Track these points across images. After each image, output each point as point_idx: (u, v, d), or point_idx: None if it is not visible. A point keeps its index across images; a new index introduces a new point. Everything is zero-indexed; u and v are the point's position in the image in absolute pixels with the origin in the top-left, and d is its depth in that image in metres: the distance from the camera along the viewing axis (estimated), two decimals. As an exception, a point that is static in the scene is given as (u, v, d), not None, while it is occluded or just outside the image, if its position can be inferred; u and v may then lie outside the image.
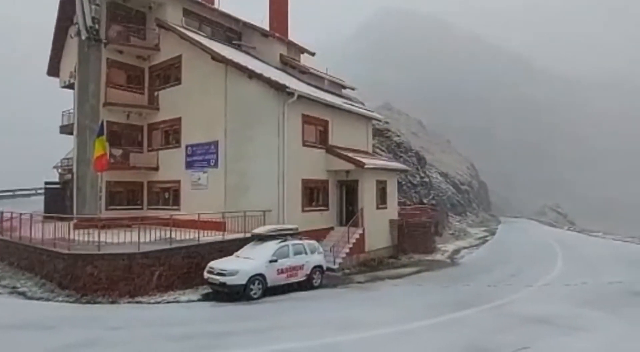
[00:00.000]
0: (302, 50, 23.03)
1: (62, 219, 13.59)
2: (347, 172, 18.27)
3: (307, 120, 17.09)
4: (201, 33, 20.21)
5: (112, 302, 11.06)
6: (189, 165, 18.31)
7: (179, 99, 18.92)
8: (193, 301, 11.55)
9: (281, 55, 21.05)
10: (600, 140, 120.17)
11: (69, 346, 7.64)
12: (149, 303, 11.19)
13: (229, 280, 11.32)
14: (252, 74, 16.03)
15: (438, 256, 21.54)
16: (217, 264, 11.96)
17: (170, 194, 19.19)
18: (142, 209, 20.00)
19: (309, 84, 19.85)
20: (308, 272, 13.16)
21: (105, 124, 15.28)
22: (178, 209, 18.09)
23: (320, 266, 13.63)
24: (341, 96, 22.57)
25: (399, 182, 25.39)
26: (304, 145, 16.89)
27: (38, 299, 11.40)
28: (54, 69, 23.57)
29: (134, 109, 19.89)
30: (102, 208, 17.49)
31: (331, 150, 18.14)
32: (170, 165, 19.13)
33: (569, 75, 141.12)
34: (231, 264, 11.85)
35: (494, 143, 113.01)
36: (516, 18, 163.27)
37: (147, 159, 20.00)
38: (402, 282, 15.05)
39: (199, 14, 20.86)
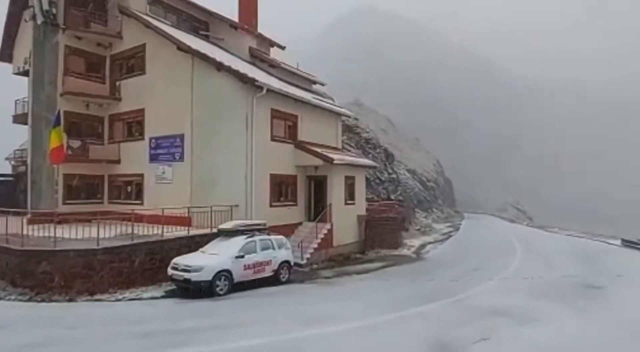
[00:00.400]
0: (272, 43, 22.73)
1: (15, 214, 12.84)
2: (316, 167, 18.26)
3: (276, 114, 16.92)
4: (166, 22, 19.55)
5: (70, 301, 10.61)
6: (153, 158, 17.74)
7: (142, 90, 18.25)
8: (156, 298, 11.25)
9: (250, 48, 20.68)
10: (559, 140, 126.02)
11: (24, 346, 7.26)
12: (109, 301, 10.81)
13: (193, 276, 11.08)
14: (220, 66, 15.67)
15: (404, 251, 21.95)
16: (181, 260, 11.67)
17: (133, 188, 18.55)
18: (102, 203, 19.23)
19: (278, 78, 19.64)
20: (275, 267, 13.08)
21: (62, 114, 14.52)
22: (141, 204, 17.51)
23: (288, 262, 13.58)
24: (311, 91, 22.49)
25: (367, 178, 25.65)
26: (272, 140, 16.72)
27: (-12, 298, 10.77)
28: (6, 54, 22.15)
29: (94, 99, 19.02)
30: (58, 202, 16.66)
31: (300, 145, 18.05)
32: (133, 158, 18.46)
33: (532, 79, 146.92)
34: (196, 260, 11.59)
35: (460, 142, 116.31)
36: (484, 22, 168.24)
37: (108, 152, 19.22)
38: (369, 277, 15.23)
39: (165, 2, 20.17)
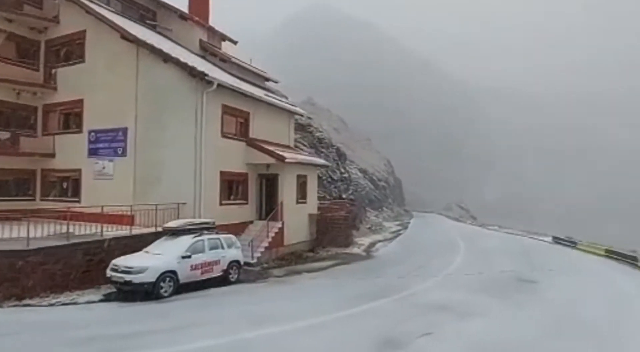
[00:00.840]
0: (224, 37, 22.14)
1: None
2: (268, 165, 18.04)
3: (227, 110, 16.49)
4: (110, 8, 18.41)
5: (-7, 307, 9.68)
6: (93, 152, 16.64)
7: (81, 79, 17.04)
8: (94, 302, 10.55)
9: (201, 41, 20.00)
10: (499, 144, 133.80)
11: None
12: (41, 306, 9.99)
13: (135, 278, 10.51)
14: (167, 58, 14.99)
15: (355, 250, 22.26)
16: (122, 261, 11.04)
17: (69, 184, 17.30)
18: (34, 200, 17.76)
19: (230, 73, 19.16)
20: (225, 267, 12.74)
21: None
22: (78, 201, 16.36)
23: (237, 261, 13.28)
24: (264, 88, 22.18)
25: (319, 177, 25.75)
26: (223, 136, 16.28)
27: None
28: None
29: (26, 86, 17.50)
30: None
31: (252, 143, 17.74)
32: (70, 152, 17.20)
33: (475, 84, 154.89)
34: (139, 260, 11.02)
35: (409, 143, 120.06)
36: (440, 31, 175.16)
37: (42, 145, 17.78)
38: (319, 276, 15.29)
39: (109, -13, 19.01)
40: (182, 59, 15.00)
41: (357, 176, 45.66)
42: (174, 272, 11.07)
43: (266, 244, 16.82)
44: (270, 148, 17.87)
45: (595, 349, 8.00)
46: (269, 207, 18.46)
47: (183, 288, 11.42)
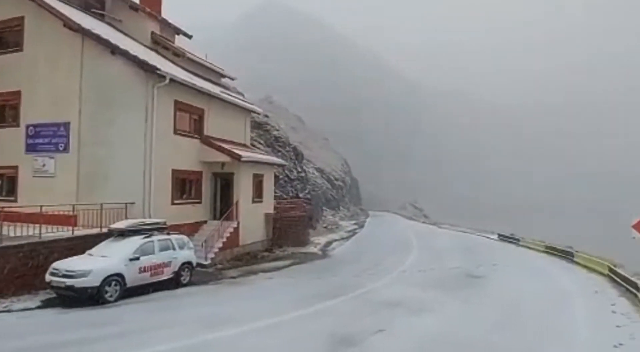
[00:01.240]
0: (178, 31, 21.35)
1: None
2: (223, 164, 17.64)
3: (180, 107, 15.92)
4: (53, -5, 17.20)
5: None
6: (31, 148, 15.45)
7: (18, 69, 15.74)
8: (30, 309, 9.80)
9: (153, 34, 19.15)
10: (450, 145, 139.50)
11: None
12: (-33, 315, 9.16)
13: (78, 282, 9.87)
14: (115, 50, 14.22)
15: (311, 249, 22.33)
16: (63, 264, 10.34)
17: (4, 182, 15.97)
18: (-37, 200, 16.26)
19: (184, 68, 18.53)
20: (176, 269, 12.28)
21: None
22: (14, 201, 15.14)
23: (189, 262, 12.85)
24: (219, 85, 21.66)
25: (276, 176, 25.56)
26: (175, 133, 15.71)
27: None
28: None
29: (-46, 76, 15.98)
30: None
31: (206, 140, 17.27)
32: (5, 147, 15.83)
33: (431, 87, 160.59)
34: (82, 263, 10.36)
35: (366, 143, 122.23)
36: (398, 34, 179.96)
37: (-27, 139, 16.29)
38: (276, 276, 15.18)
39: (51, -27, 17.73)
40: (131, 52, 14.28)
41: (314, 175, 45.80)
42: (120, 275, 10.51)
43: (220, 245, 16.44)
44: (226, 146, 17.48)
45: (534, 338, 8.48)
46: (224, 207, 18.05)
47: (131, 292, 10.89)
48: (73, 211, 12.54)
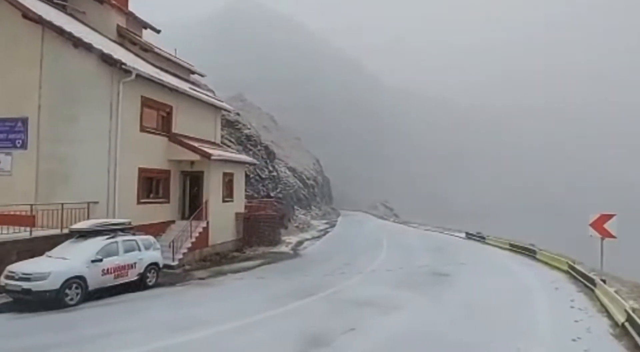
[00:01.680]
0: (146, 25, 20.70)
1: None
2: (192, 162, 17.27)
3: (147, 103, 15.46)
4: (10, -17, 16.30)
5: None
6: (-15, 145, 14.61)
7: (-28, 61, 14.88)
8: (-18, 314, 9.26)
9: (119, 27, 18.48)
10: (422, 145, 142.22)
11: None
12: None
13: (35, 286, 9.39)
14: (78, 43, 13.63)
15: (282, 248, 22.22)
16: (19, 267, 9.82)
17: (-45, 181, 15.03)
18: None
19: (151, 63, 17.99)
20: (142, 271, 11.91)
21: None
22: (-34, 200, 14.28)
23: (156, 264, 12.49)
24: (189, 81, 21.17)
25: (247, 175, 25.27)
26: (142, 130, 15.23)
27: None
28: None
29: None
30: None
31: (175, 138, 16.84)
32: (-44, 144, 14.94)
33: (404, 90, 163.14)
34: (39, 266, 9.87)
35: (338, 143, 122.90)
36: (373, 35, 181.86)
37: None
38: (246, 276, 15.00)
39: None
40: (95, 45, 13.73)
41: (286, 175, 45.62)
42: (81, 278, 10.07)
43: (189, 245, 16.08)
44: (195, 144, 17.12)
45: (498, 333, 8.75)
46: (193, 206, 17.69)
47: (94, 295, 10.47)
48: (31, 210, 11.93)
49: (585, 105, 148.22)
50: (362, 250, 22.99)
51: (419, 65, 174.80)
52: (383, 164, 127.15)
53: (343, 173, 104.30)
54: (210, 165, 17.57)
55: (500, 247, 25.74)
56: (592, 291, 12.52)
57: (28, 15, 13.79)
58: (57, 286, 9.57)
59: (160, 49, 19.43)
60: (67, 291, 9.75)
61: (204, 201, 17.53)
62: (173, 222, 17.02)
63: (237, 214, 20.62)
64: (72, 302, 9.83)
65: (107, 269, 10.82)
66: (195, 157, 16.82)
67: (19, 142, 14.17)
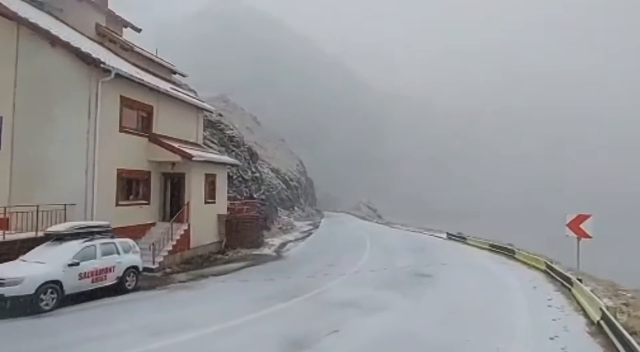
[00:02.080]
0: (126, 24, 20.33)
1: None
2: (173, 164, 17.01)
3: (127, 103, 15.17)
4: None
5: None
6: (-44, 145, 14.09)
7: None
8: (-48, 321, 8.91)
9: (98, 26, 18.10)
10: (402, 147, 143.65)
11: None
12: None
13: (9, 291, 9.10)
14: (55, 41, 13.29)
15: (265, 250, 22.07)
16: (-8, 271, 9.50)
17: None
18: None
19: (132, 63, 17.68)
20: (120, 274, 11.66)
21: None
22: None
23: (135, 267, 12.25)
24: (170, 81, 20.89)
25: (230, 177, 25.05)
26: (122, 131, 14.94)
27: None
28: None
29: None
30: None
31: (155, 139, 16.57)
32: None
33: (387, 92, 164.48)
34: (14, 270, 9.57)
35: (322, 144, 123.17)
36: (352, 33, 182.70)
37: None
38: (228, 278, 14.85)
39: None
40: (73, 44, 13.41)
41: (269, 176, 45.41)
42: (57, 282, 9.80)
43: (170, 248, 15.83)
44: (176, 145, 16.88)
45: (478, 332, 8.88)
46: (175, 208, 17.44)
47: (70, 300, 10.21)
48: (5, 213, 11.56)
49: (563, 108, 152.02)
50: (345, 251, 23.02)
51: (410, 69, 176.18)
52: (367, 166, 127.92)
53: (327, 174, 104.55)
54: (192, 167, 17.35)
55: (481, 248, 26.14)
56: (569, 289, 12.82)
57: (2, 12, 13.40)
58: (31, 291, 9.29)
59: (140, 49, 19.13)
60: (42, 296, 9.48)
61: (185, 202, 17.29)
62: (153, 224, 16.74)
63: (219, 215, 20.41)
64: (47, 308, 9.56)
65: (85, 273, 10.56)
66: (176, 158, 16.58)
67: (-9, 143, 13.70)
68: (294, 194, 56.35)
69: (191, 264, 16.82)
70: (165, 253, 15.53)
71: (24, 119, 13.63)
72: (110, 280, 11.34)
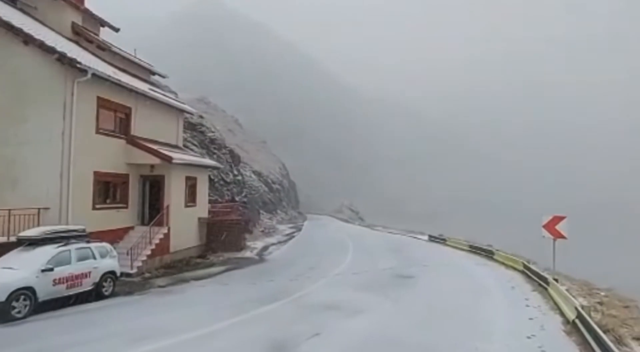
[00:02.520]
0: (103, 23, 19.86)
1: None
2: (152, 166, 16.70)
3: (104, 104, 14.82)
4: (-48, -26, 15.22)
5: None
6: None
7: None
8: None
9: (74, 24, 17.61)
10: (385, 150, 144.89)
11: None
12: None
13: (-22, 299, 8.76)
14: (28, 40, 12.89)
15: (247, 254, 21.87)
16: (-40, 279, 9.11)
17: None
18: None
19: (109, 63, 17.28)
20: (97, 280, 11.36)
21: None
22: None
23: (112, 272, 11.95)
24: (149, 82, 20.52)
25: (211, 179, 24.78)
26: (98, 132, 14.58)
27: None
28: None
29: None
30: None
31: (133, 141, 16.23)
32: None
33: (370, 96, 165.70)
34: (-17, 277, 9.21)
35: (303, 148, 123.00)
36: (331, 37, 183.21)
37: None
38: (209, 282, 14.65)
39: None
40: (48, 42, 13.03)
41: (251, 179, 45.09)
42: (30, 288, 9.47)
43: (149, 252, 15.51)
44: (155, 147, 16.58)
45: (457, 332, 9.00)
46: (154, 212, 17.10)
47: (44, 307, 9.88)
48: (-27, 218, 11.13)
49: (542, 115, 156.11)
50: (327, 253, 23.01)
51: (397, 77, 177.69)
52: (349, 170, 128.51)
53: (309, 177, 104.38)
54: (172, 169, 17.07)
55: (460, 249, 26.53)
56: (546, 289, 13.12)
57: (-28, 9, 12.92)
58: (2, 298, 8.96)
59: (118, 48, 18.74)
60: (14, 303, 9.15)
61: (165, 206, 16.99)
62: (132, 228, 16.38)
63: (200, 219, 20.13)
64: (19, 315, 9.23)
65: (59, 279, 10.24)
66: (155, 160, 16.29)
67: (-40, 144, 13.18)
68: (276, 197, 56.07)
69: (171, 268, 16.52)
70: (144, 257, 15.20)
71: (-5, 120, 13.17)
72: (86, 286, 11.03)
